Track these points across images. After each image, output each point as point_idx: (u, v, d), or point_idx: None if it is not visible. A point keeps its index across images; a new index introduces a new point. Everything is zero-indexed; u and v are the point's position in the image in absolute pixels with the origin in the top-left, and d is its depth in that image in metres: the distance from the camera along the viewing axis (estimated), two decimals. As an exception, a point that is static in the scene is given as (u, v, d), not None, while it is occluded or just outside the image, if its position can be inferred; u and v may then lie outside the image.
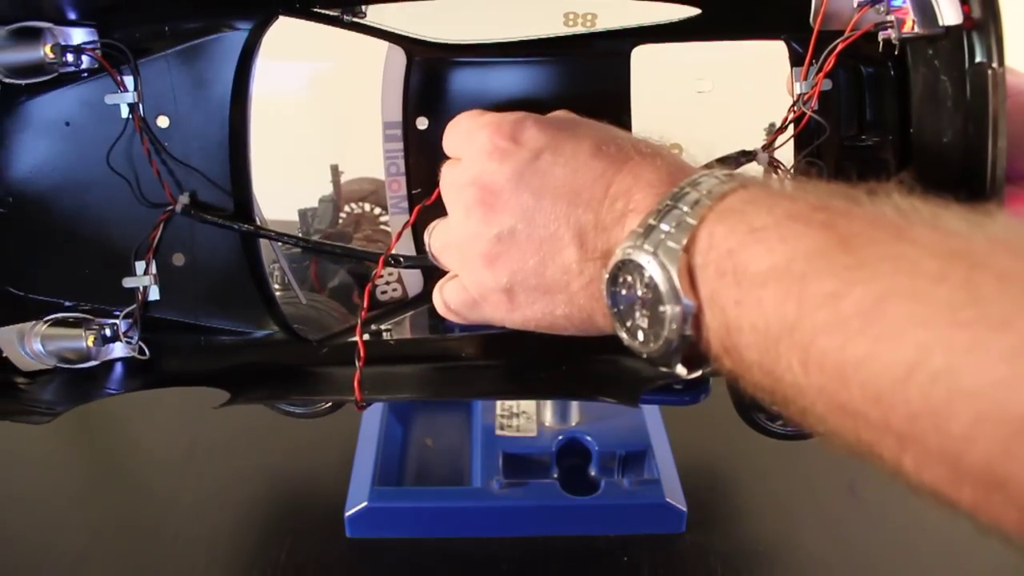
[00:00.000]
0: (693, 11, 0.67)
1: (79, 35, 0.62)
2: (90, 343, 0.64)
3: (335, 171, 0.93)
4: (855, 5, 0.59)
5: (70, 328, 0.65)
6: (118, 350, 0.66)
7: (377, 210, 0.94)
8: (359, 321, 0.60)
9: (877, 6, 0.59)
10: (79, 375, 0.66)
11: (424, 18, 0.73)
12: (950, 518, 0.87)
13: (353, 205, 0.95)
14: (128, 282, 0.65)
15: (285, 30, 0.65)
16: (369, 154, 0.80)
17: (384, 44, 0.74)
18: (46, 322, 0.65)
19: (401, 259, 0.64)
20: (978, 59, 0.55)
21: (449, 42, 0.74)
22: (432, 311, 0.75)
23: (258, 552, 0.78)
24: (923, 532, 0.81)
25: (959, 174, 0.58)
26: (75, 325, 0.65)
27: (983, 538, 0.83)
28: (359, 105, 0.80)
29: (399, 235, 0.65)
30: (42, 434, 0.97)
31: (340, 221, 0.93)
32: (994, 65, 0.53)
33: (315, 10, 0.67)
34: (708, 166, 0.62)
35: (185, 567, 0.77)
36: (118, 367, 0.67)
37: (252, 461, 0.90)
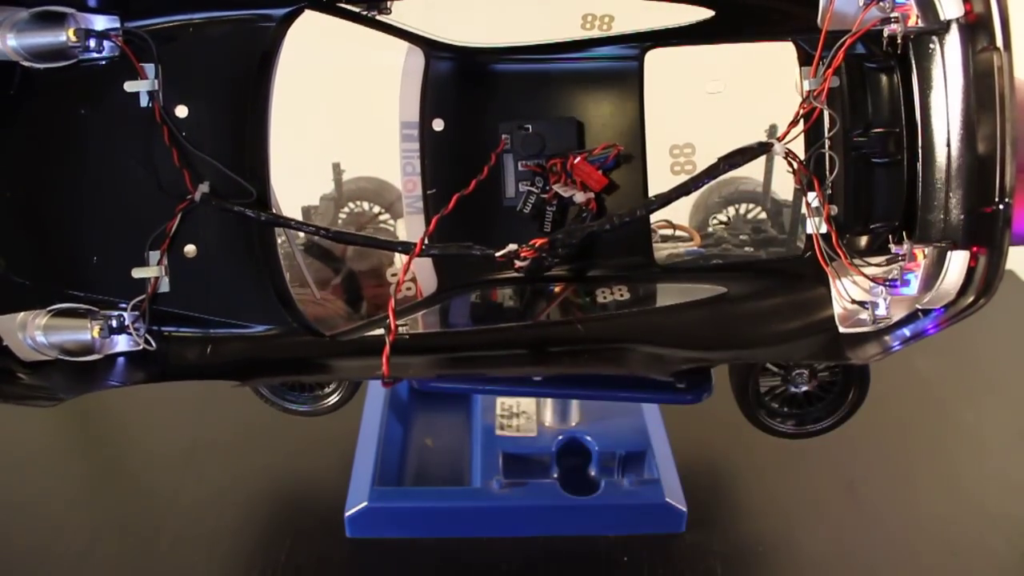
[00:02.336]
0: (706, 14, 0.69)
1: (101, 23, 0.62)
2: (95, 334, 0.63)
3: (336, 169, 0.93)
4: (860, 3, 0.61)
5: (74, 319, 0.64)
6: (122, 343, 0.65)
7: (377, 208, 0.94)
8: (392, 296, 0.60)
9: (882, 3, 0.61)
10: (82, 367, 0.65)
11: (443, 19, 0.73)
12: (949, 518, 0.88)
13: (353, 204, 0.94)
14: (138, 272, 0.64)
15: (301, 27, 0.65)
16: (373, 152, 0.80)
17: (403, 44, 0.74)
18: (49, 312, 0.63)
19: (425, 244, 0.64)
20: (982, 46, 0.56)
21: (467, 45, 0.74)
22: (444, 309, 0.76)
23: (258, 552, 0.78)
24: (922, 532, 0.81)
25: (969, 159, 0.59)
26: (79, 316, 0.64)
27: (982, 538, 0.84)
28: (365, 103, 0.80)
29: (433, 225, 0.65)
30: (42, 435, 0.97)
31: (340, 220, 0.93)
32: (999, 47, 0.55)
33: (340, 5, 0.67)
34: (729, 156, 0.63)
35: (186, 567, 0.77)
36: (122, 359, 0.66)
37: (252, 461, 0.90)
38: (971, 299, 0.59)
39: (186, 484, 0.87)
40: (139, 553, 0.79)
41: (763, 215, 0.87)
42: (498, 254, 0.63)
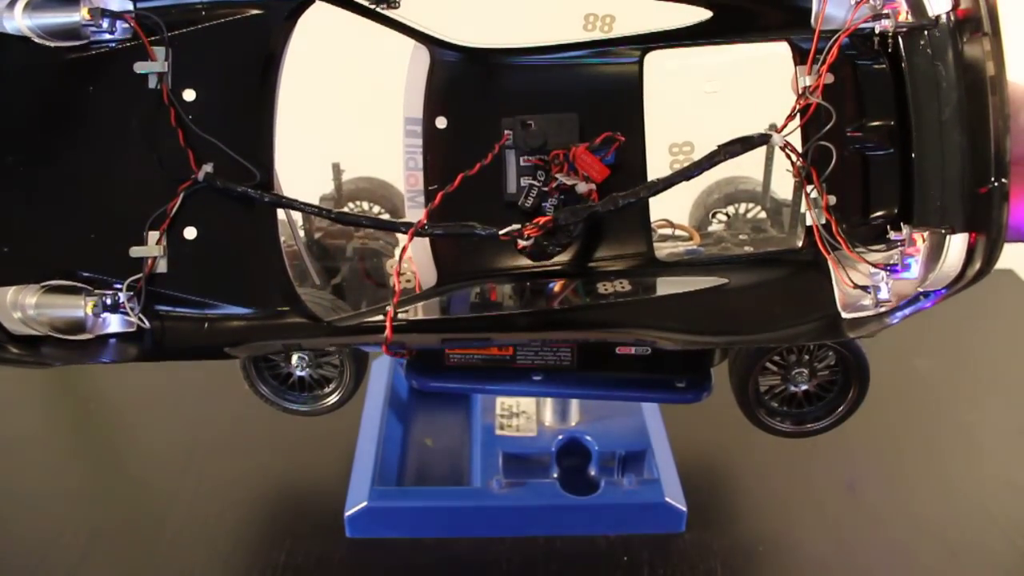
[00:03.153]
0: (704, 15, 0.70)
1: (115, 3, 0.62)
2: (88, 310, 0.63)
3: (336, 169, 0.93)
4: (851, 2, 0.63)
5: (67, 296, 0.63)
6: (114, 324, 0.64)
7: (376, 208, 0.94)
8: (397, 263, 0.63)
9: (872, 1, 0.63)
10: (72, 344, 0.64)
11: (448, 19, 0.74)
12: (948, 518, 0.88)
13: (352, 203, 0.94)
14: (136, 251, 0.64)
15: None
16: (376, 147, 0.80)
17: (409, 41, 0.75)
18: (42, 287, 0.63)
19: (427, 226, 0.65)
20: (971, 33, 0.58)
21: (470, 45, 0.75)
22: (442, 307, 0.76)
23: (258, 552, 0.78)
24: (922, 532, 0.81)
25: (962, 144, 0.60)
26: (72, 293, 0.63)
27: (981, 538, 0.84)
28: (370, 98, 0.81)
29: (438, 200, 0.66)
30: (43, 435, 0.97)
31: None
32: (987, 32, 0.56)
33: None
34: (728, 144, 0.64)
35: (186, 567, 0.77)
36: (114, 338, 0.65)
37: (252, 462, 0.90)
38: (971, 274, 0.60)
39: (186, 484, 0.87)
40: (139, 553, 0.79)
41: (763, 215, 0.88)
42: (501, 232, 0.64)
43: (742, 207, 0.88)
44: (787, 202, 0.83)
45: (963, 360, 1.12)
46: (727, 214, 0.88)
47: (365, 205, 0.94)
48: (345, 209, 0.94)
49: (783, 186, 0.84)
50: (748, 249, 0.81)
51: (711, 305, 0.68)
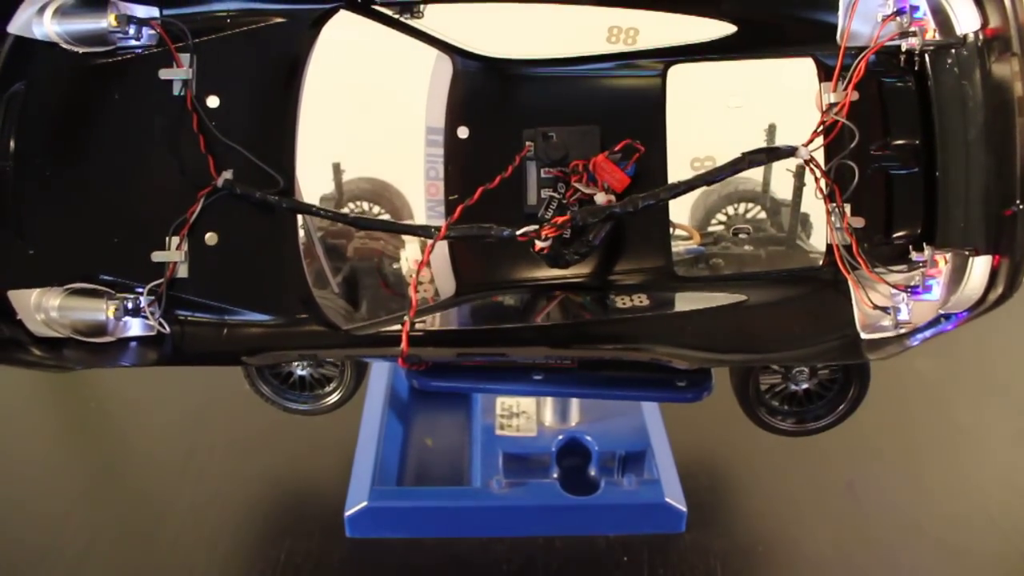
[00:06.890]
0: (729, 30, 0.71)
1: (141, 11, 0.64)
2: (110, 314, 0.63)
3: (336, 169, 0.93)
4: (878, 19, 0.63)
5: (89, 299, 0.64)
6: (135, 328, 0.65)
7: (376, 208, 0.94)
8: (415, 274, 0.63)
9: (899, 19, 0.62)
10: (93, 347, 0.65)
11: (472, 30, 0.74)
12: (948, 519, 0.88)
13: (353, 204, 0.94)
14: (157, 256, 0.64)
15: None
16: (397, 156, 0.80)
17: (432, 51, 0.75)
18: (66, 290, 0.64)
19: (453, 232, 0.65)
20: (999, 54, 0.58)
21: (494, 56, 0.76)
22: (461, 316, 0.76)
23: (258, 552, 0.78)
24: (922, 532, 0.81)
25: (988, 165, 0.60)
26: (95, 296, 0.64)
27: (982, 538, 0.84)
28: (392, 108, 0.81)
29: (458, 213, 0.66)
30: (43, 436, 0.97)
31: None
32: (1016, 52, 0.56)
33: (375, 7, 0.69)
34: (753, 152, 0.64)
35: (185, 567, 0.77)
36: (134, 342, 0.66)
37: (252, 462, 0.90)
38: (993, 298, 0.60)
39: (186, 485, 0.87)
40: (139, 553, 0.79)
41: (762, 214, 0.88)
42: (519, 232, 0.64)
43: (742, 207, 0.88)
44: (786, 202, 0.83)
45: (964, 361, 1.12)
46: (727, 214, 0.88)
47: (365, 206, 0.94)
48: (345, 210, 0.94)
49: (783, 187, 0.84)
50: (748, 248, 0.81)
51: (729, 323, 0.68)
